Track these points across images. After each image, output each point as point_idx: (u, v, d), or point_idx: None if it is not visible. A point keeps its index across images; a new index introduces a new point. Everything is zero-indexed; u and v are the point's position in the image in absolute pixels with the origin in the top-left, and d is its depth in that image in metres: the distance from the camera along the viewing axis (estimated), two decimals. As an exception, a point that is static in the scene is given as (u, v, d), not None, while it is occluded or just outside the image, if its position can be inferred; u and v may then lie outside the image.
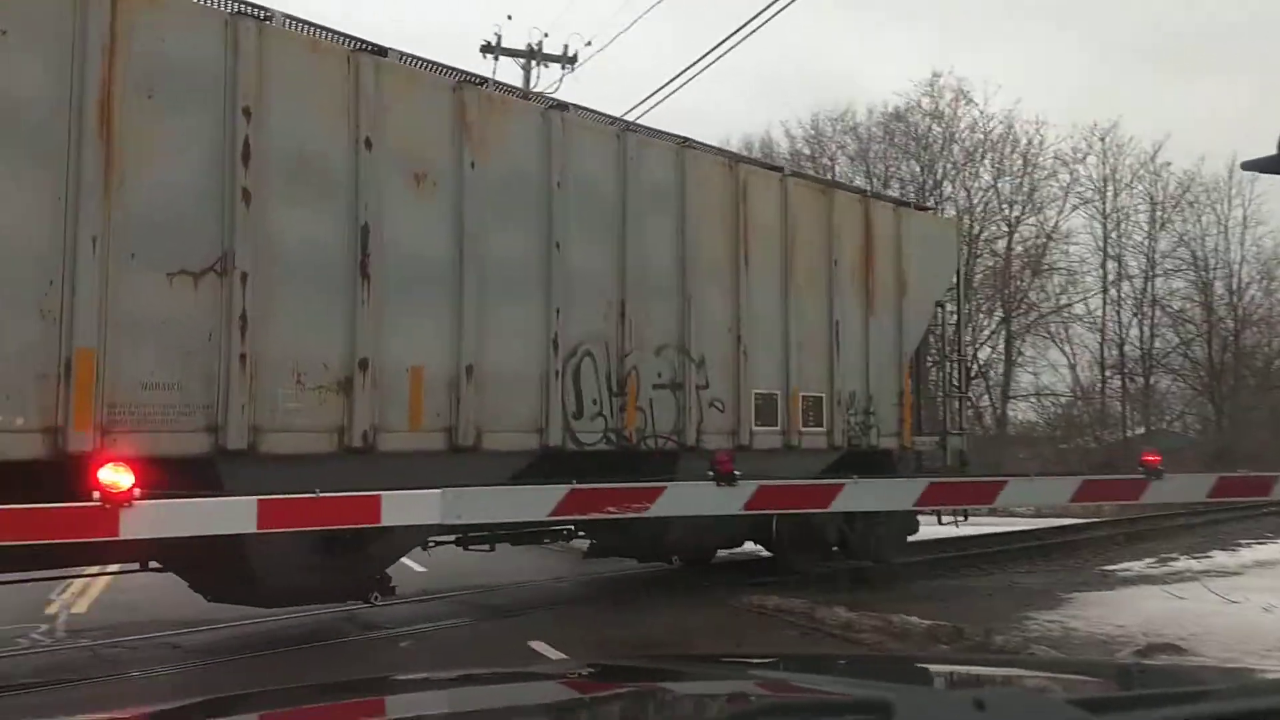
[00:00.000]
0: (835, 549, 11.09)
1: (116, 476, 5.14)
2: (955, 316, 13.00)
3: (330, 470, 6.57)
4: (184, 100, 6.02)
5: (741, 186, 9.77)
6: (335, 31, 6.95)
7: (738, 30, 18.75)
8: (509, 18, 25.33)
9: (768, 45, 50.04)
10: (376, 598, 7.54)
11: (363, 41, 7.02)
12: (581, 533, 10.01)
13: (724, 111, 50.01)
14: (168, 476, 5.97)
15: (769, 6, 13.27)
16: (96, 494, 5.11)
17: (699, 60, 23.99)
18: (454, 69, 7.66)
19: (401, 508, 6.13)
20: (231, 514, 5.61)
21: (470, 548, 9.07)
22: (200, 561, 6.70)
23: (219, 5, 6.30)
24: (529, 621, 8.44)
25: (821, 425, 10.47)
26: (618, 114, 10.31)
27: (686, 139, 9.48)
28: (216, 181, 6.14)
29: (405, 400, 7.09)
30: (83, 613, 8.78)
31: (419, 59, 7.43)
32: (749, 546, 11.35)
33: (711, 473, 7.02)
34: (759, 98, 55.57)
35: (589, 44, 39.82)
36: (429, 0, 56.31)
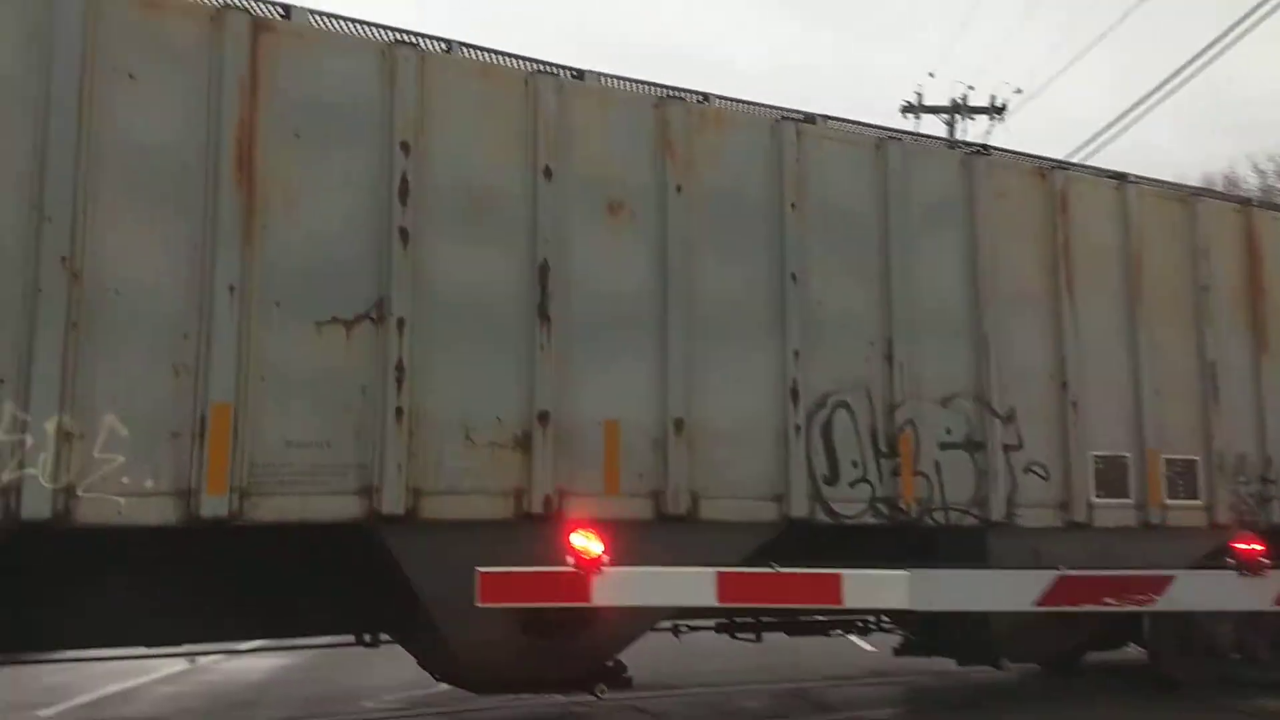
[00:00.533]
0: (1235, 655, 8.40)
1: (587, 543, 5.68)
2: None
3: (505, 539, 5.75)
4: (334, 138, 5.64)
5: (1059, 198, 7.92)
6: (512, 55, 6.36)
7: (1190, 62, 16.38)
8: (930, 75, 24.64)
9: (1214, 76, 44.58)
10: (603, 690, 6.52)
11: (541, 63, 6.36)
12: (886, 625, 8.32)
13: (1162, 150, 45.15)
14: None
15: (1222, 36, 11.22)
16: (570, 559, 5.65)
17: (1146, 98, 21.43)
18: (656, 84, 6.78)
19: (865, 589, 6.33)
20: (694, 586, 6.02)
21: (738, 635, 7.81)
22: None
23: (373, 35, 5.93)
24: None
25: (1196, 498, 8.08)
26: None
27: (968, 145, 7.85)
28: (372, 222, 5.66)
29: (599, 459, 6.11)
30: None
31: (614, 76, 6.64)
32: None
33: (1231, 560, 6.96)
34: (1202, 133, 49.61)
35: (1019, 91, 37.68)
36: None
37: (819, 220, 6.96)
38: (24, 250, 4.91)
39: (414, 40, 5.95)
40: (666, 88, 6.74)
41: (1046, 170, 8.03)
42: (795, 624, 7.90)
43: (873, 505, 6.90)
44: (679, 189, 6.50)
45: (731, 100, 7.03)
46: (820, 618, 7.90)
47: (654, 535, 6.20)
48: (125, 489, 5.01)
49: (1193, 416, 8.17)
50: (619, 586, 5.76)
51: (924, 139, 8.93)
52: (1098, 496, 7.70)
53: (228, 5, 5.51)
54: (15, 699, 8.04)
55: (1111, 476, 7.81)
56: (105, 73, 5.15)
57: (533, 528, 5.86)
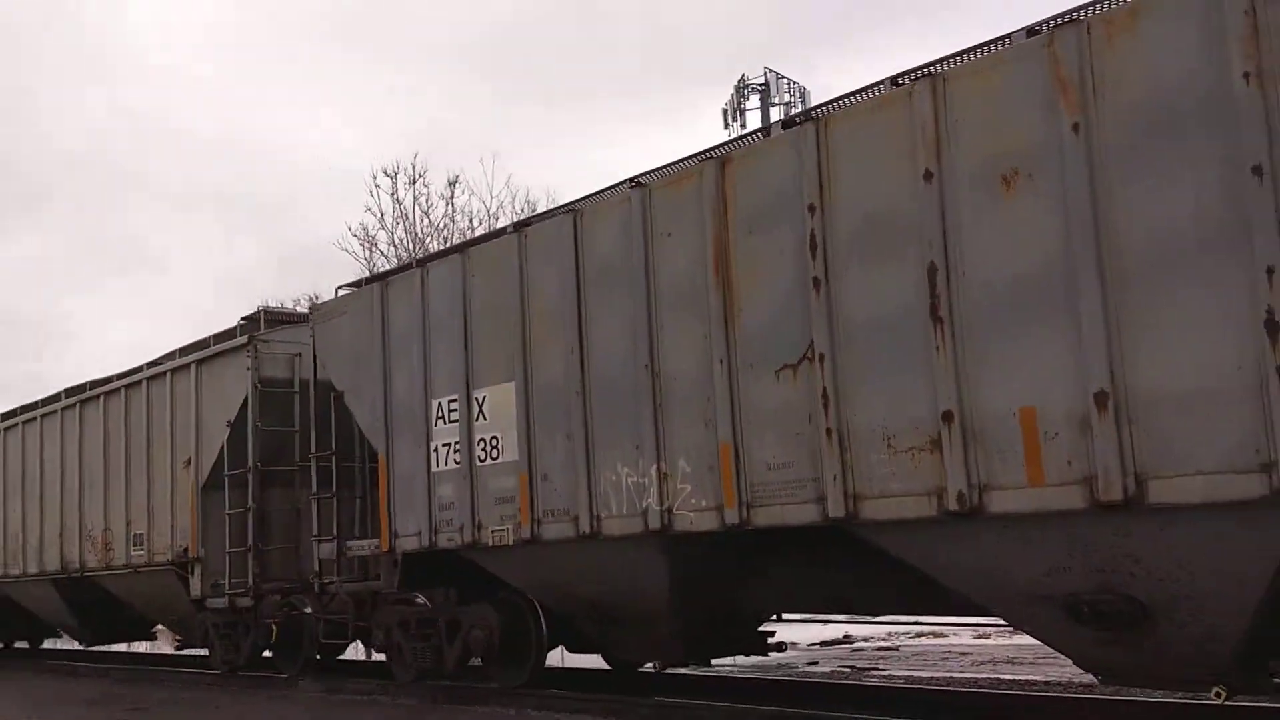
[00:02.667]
0: None
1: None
2: None
3: (934, 536, 6.21)
4: (770, 223, 7.09)
5: None
6: (903, 74, 6.60)
7: None
8: None
9: None
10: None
11: (918, 69, 6.44)
12: None
13: None
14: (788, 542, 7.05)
15: None
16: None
17: None
18: (1038, 24, 5.91)
19: None
20: None
21: None
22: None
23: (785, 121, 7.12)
24: None
25: None
26: None
27: None
28: (796, 280, 6.90)
29: (1018, 450, 5.79)
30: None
31: (993, 41, 6.13)
32: None
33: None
34: None
35: None
36: None
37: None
38: (633, 361, 7.89)
39: (813, 114, 6.96)
40: (1058, 16, 5.89)
41: None
42: None
43: None
44: (1076, 127, 5.67)
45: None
46: None
47: (1093, 522, 5.53)
48: (692, 507, 7.46)
49: None
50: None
51: None
52: None
53: (708, 157, 7.63)
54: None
55: None
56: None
57: (955, 525, 6.03)
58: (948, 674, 10.51)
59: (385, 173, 26.85)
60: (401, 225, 26.73)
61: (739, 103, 34.09)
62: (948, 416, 6.06)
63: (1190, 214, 5.30)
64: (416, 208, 26.76)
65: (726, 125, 33.67)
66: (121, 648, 18.77)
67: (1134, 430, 5.39)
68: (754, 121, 32.97)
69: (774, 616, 9.41)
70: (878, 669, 11.18)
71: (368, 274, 19.53)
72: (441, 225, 26.64)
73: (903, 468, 6.30)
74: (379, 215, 26.86)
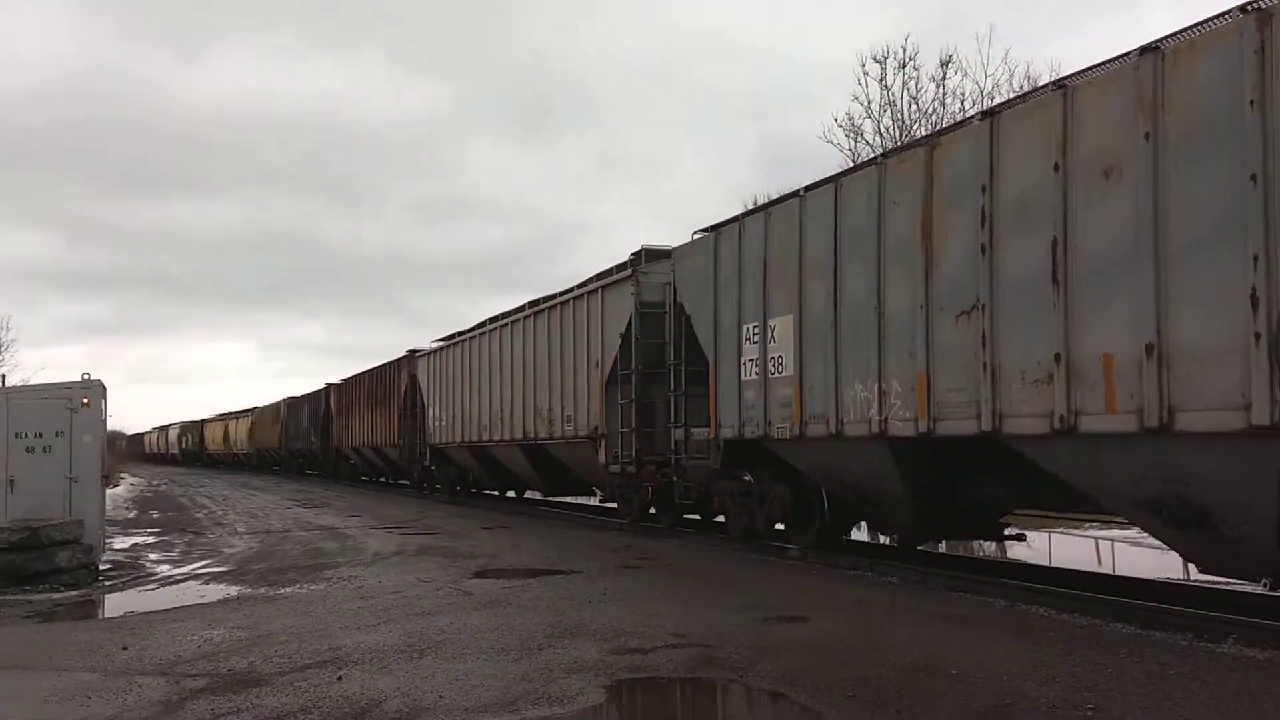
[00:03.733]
0: None
1: None
2: None
3: (1049, 450, 8.19)
4: (959, 199, 9.07)
5: None
6: (1051, 83, 8.21)
7: None
8: None
9: None
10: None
11: (1066, 78, 8.04)
12: None
13: None
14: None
15: None
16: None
17: None
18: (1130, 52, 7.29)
19: None
20: None
21: None
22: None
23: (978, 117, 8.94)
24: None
25: None
26: None
27: None
28: (972, 247, 8.86)
29: (1100, 387, 7.55)
30: None
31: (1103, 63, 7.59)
32: None
33: None
34: None
35: None
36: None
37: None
38: (867, 303, 10.24)
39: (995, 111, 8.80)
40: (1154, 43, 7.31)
41: None
42: None
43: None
44: (1148, 136, 7.20)
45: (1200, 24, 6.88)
46: None
47: (1138, 445, 7.25)
48: (899, 417, 9.78)
49: None
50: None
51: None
52: None
53: (917, 143, 9.67)
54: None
55: None
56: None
57: (1061, 440, 7.93)
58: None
59: (874, 58, 25.44)
60: (889, 113, 25.34)
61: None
62: (1057, 358, 7.92)
63: (1210, 211, 6.74)
64: (905, 93, 25.29)
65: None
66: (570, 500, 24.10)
67: (1170, 374, 7.02)
68: None
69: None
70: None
71: (853, 161, 22.09)
72: (930, 110, 24.98)
73: (1030, 395, 8.24)
74: (865, 104, 25.67)
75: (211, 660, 7.19)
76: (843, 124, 26.12)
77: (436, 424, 26.33)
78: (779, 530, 12.93)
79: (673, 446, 14.38)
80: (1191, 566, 9.25)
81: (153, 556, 14.91)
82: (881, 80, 25.29)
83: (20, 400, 13.14)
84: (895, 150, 10.12)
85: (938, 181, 9.33)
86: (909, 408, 9.63)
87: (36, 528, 11.90)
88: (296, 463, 48.22)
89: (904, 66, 24.86)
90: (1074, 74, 8.14)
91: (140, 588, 11.87)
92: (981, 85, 24.69)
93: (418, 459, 28.57)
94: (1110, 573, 11.51)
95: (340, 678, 6.49)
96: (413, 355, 29.57)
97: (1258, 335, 6.46)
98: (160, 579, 12.48)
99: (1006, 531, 11.18)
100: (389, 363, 32.25)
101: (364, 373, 35.30)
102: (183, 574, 12.82)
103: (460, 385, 24.41)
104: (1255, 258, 6.43)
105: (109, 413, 14.11)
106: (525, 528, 17.83)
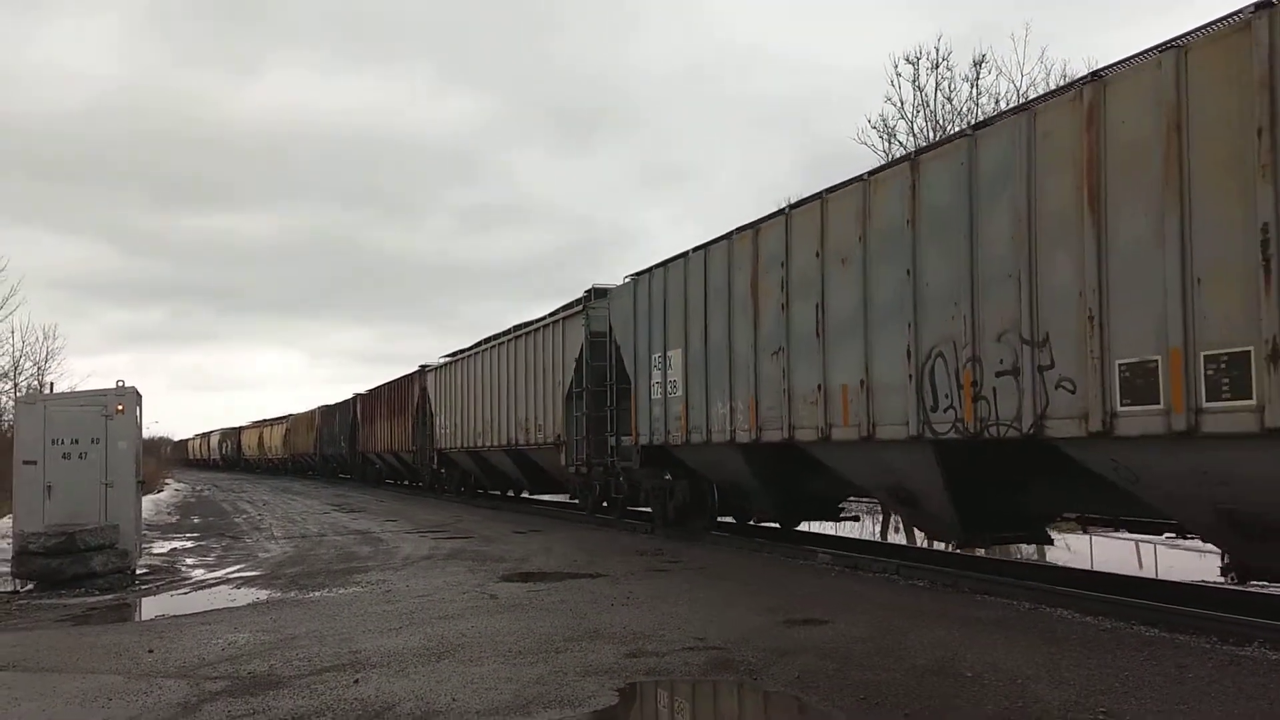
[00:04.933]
0: None
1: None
2: None
3: (821, 450, 11.68)
4: (771, 270, 12.52)
5: (1087, 111, 8.02)
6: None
7: None
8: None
9: None
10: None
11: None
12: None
13: None
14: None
15: None
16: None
17: None
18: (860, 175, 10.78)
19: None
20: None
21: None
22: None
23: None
24: None
25: (1249, 396, 6.83)
26: None
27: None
28: (777, 306, 12.33)
29: (840, 408, 11.02)
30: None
31: (840, 185, 11.10)
32: None
33: None
34: None
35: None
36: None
37: (927, 226, 9.75)
38: (724, 341, 13.73)
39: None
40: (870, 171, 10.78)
41: (1079, 88, 7.82)
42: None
43: (955, 425, 9.31)
44: (861, 238, 10.67)
45: (888, 165, 10.35)
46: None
47: (860, 449, 10.74)
48: (743, 429, 13.26)
49: (1240, 299, 6.83)
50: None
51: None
52: (1123, 405, 7.65)
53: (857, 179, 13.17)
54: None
55: (1138, 383, 7.57)
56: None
57: (817, 445, 11.43)
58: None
59: (907, 59, 26.48)
60: (922, 113, 26.04)
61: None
62: (820, 387, 11.40)
63: (891, 292, 10.20)
64: (938, 93, 25.97)
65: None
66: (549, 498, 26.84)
67: (873, 401, 10.50)
68: None
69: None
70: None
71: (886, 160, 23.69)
72: (964, 109, 25.39)
73: (809, 412, 11.71)
74: (899, 105, 26.63)
75: (233, 663, 7.44)
76: (876, 126, 27.05)
77: (443, 431, 30.02)
78: (727, 522, 16.47)
79: (609, 451, 17.92)
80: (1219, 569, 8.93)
81: (189, 561, 15.47)
82: (915, 81, 26.18)
83: (57, 408, 13.26)
84: (738, 229, 13.47)
85: (761, 256, 12.78)
86: (747, 421, 13.07)
87: (72, 533, 12.13)
88: (330, 467, 51.63)
89: (936, 67, 25.71)
90: (828, 188, 11.57)
91: (173, 591, 12.19)
92: (1017, 84, 25.31)
93: (428, 463, 32.33)
94: (1154, 576, 11.60)
95: (357, 680, 6.72)
96: (423, 370, 33.32)
97: (911, 376, 9.92)
98: (194, 583, 12.92)
99: (842, 514, 14.70)
100: (404, 376, 36.06)
101: (383, 385, 39.16)
102: (216, 578, 13.23)
103: (460, 397, 28.11)
104: (909, 325, 9.90)
105: (144, 419, 14.45)
106: (556, 531, 18.71)
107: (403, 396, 35.82)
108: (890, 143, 25.66)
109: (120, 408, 13.14)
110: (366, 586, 11.62)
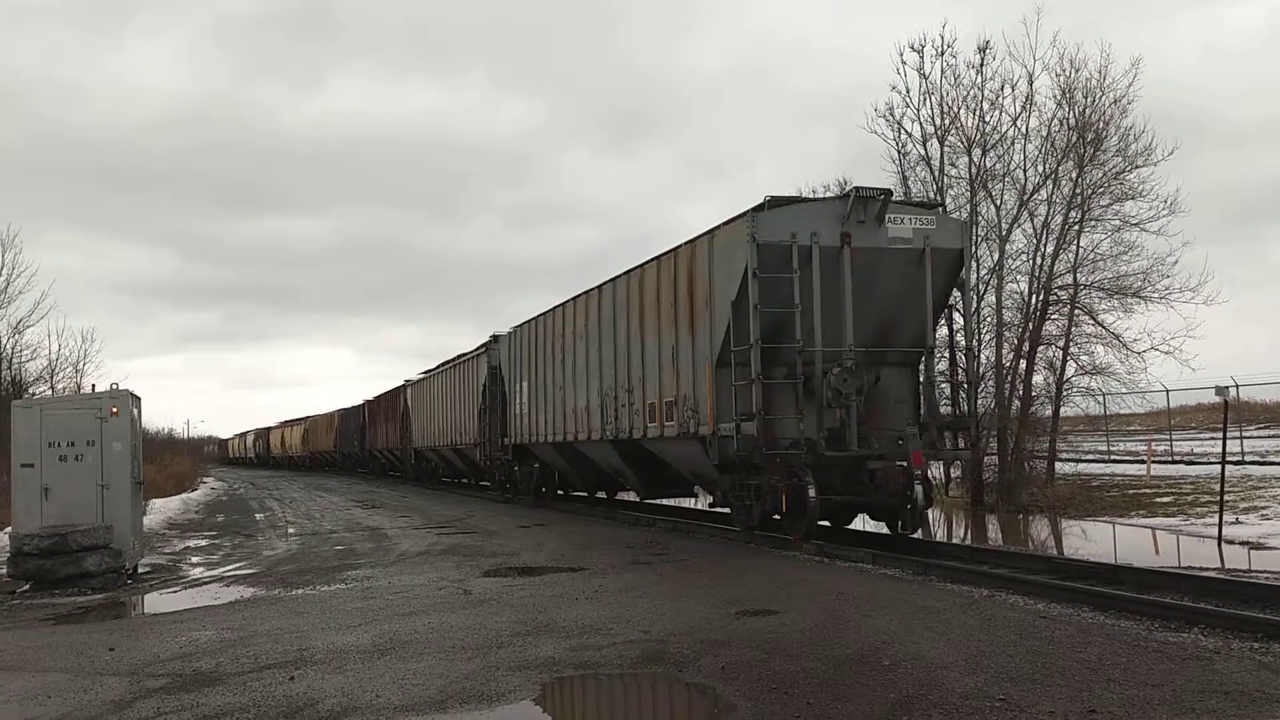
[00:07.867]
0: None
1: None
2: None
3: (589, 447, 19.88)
4: (545, 348, 18.60)
5: (638, 285, 16.11)
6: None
7: None
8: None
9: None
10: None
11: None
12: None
13: None
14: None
15: None
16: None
17: None
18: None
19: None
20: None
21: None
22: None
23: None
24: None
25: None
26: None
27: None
28: (559, 367, 18.51)
29: (585, 419, 18.88)
30: None
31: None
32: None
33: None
34: None
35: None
36: None
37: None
38: (549, 380, 20.40)
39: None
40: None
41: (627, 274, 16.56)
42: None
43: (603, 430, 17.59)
44: (585, 326, 19.14)
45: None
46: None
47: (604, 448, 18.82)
48: (555, 433, 17.31)
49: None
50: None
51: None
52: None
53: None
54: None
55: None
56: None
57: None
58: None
59: (912, 47, 25.91)
60: (929, 101, 25.75)
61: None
62: (587, 405, 18.53)
63: (586, 365, 18.21)
64: (944, 80, 25.55)
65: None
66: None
67: (590, 416, 18.81)
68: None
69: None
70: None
71: (896, 150, 25.10)
72: (968, 96, 25.35)
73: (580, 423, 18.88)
74: (904, 93, 26.41)
75: (184, 661, 7.38)
76: (884, 115, 26.23)
77: (419, 432, 37.94)
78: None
79: (501, 448, 26.22)
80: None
81: (195, 559, 15.56)
82: (920, 69, 25.90)
83: (53, 411, 13.34)
84: (553, 307, 21.11)
85: (555, 327, 20.78)
86: (559, 429, 20.80)
87: (64, 534, 12.05)
88: (349, 464, 54.70)
89: (942, 54, 25.40)
90: (583, 290, 19.61)
91: (164, 590, 12.12)
92: (1029, 67, 25.08)
93: (409, 458, 39.29)
94: (1176, 566, 11.79)
95: (293, 678, 6.69)
96: (406, 384, 39.43)
97: (600, 404, 18.08)
98: (188, 581, 12.83)
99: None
100: (392, 389, 42.76)
101: (380, 395, 45.71)
102: (211, 576, 13.12)
103: (430, 406, 36.11)
104: (598, 376, 18.28)
105: (191, 419, 16.48)
106: (560, 524, 18.76)
107: (391, 404, 42.40)
108: (899, 132, 25.38)
109: (115, 410, 13.12)
110: (350, 583, 11.67)
